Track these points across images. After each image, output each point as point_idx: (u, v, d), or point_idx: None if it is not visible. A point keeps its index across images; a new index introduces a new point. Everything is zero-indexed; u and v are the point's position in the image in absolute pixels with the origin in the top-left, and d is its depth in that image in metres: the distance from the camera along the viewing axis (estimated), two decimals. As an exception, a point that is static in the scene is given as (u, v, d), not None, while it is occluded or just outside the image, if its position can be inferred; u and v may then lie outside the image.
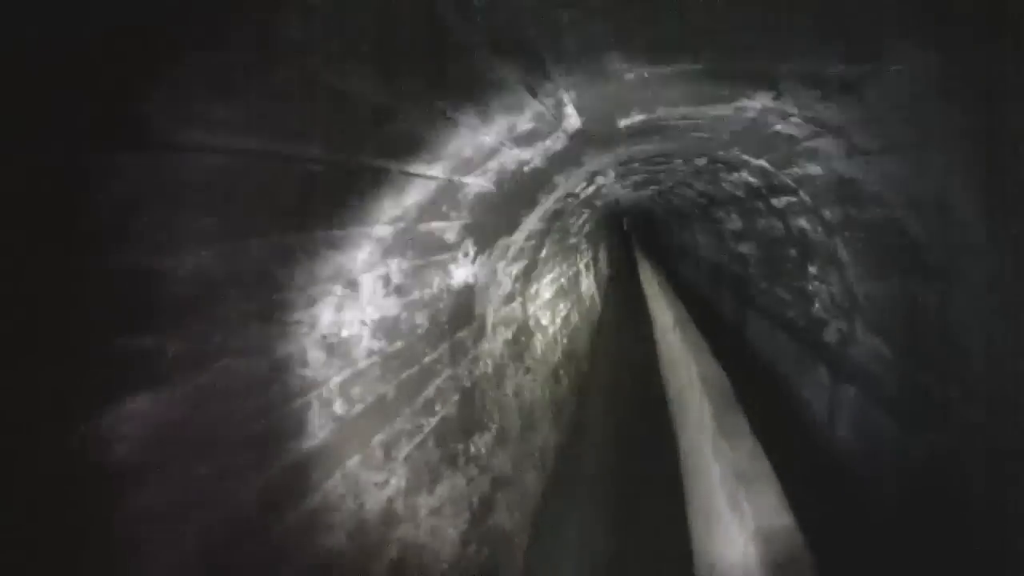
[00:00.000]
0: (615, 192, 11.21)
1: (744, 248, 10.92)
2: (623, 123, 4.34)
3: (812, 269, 6.92)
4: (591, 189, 8.36)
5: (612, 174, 7.97)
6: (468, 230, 4.28)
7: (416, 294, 3.85)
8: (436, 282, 4.10)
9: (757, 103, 3.73)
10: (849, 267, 5.74)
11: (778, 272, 8.75)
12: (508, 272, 6.29)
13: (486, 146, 3.46)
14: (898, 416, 5.02)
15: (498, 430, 6.35)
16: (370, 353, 3.36)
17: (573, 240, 12.33)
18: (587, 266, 16.28)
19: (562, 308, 10.96)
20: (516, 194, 4.84)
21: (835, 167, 4.53)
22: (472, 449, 5.40)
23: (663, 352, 11.27)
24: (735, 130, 4.75)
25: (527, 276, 7.39)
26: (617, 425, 9.62)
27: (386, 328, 3.54)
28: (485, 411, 5.83)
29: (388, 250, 3.31)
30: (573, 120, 3.90)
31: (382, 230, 3.09)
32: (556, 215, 7.56)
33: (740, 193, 8.44)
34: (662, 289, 13.82)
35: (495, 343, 6.14)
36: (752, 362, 9.98)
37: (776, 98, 3.56)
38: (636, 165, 7.68)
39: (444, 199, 3.60)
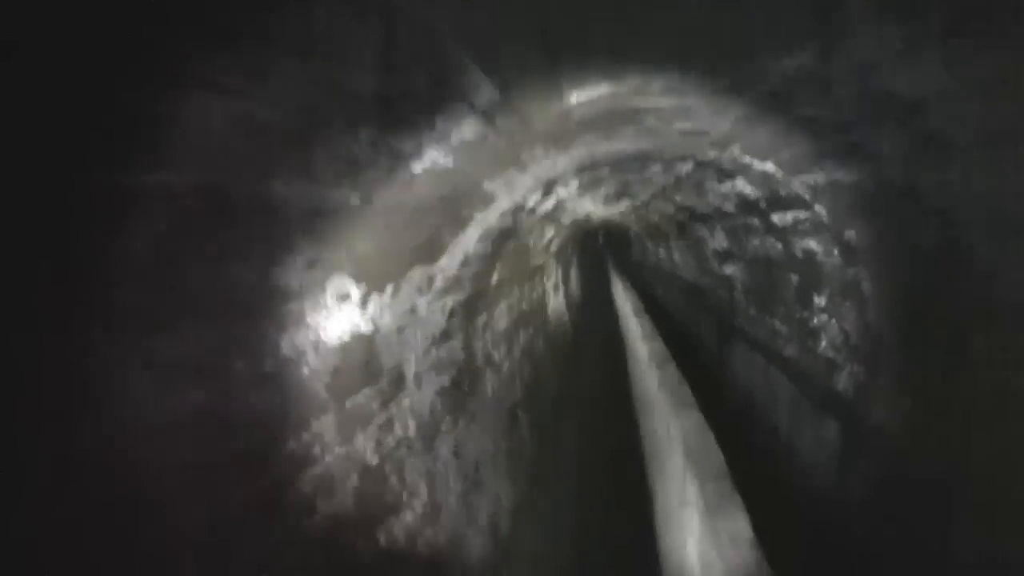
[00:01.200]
0: (583, 207, 9.90)
1: (730, 271, 9.65)
2: (574, 98, 2.98)
3: (819, 300, 5.64)
4: (550, 203, 7.04)
5: (575, 184, 6.67)
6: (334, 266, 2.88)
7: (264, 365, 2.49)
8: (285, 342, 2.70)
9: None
10: (872, 303, 4.47)
11: (772, 300, 7.51)
12: (438, 307, 4.95)
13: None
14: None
15: (426, 506, 5.03)
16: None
17: (538, 261, 10.98)
18: (555, 287, 14.93)
19: (522, 338, 9.61)
20: (422, 210, 3.48)
21: (887, 170, 3.16)
22: (382, 540, 4.10)
23: (639, 395, 9.92)
24: (740, 115, 3.40)
25: (470, 308, 6.05)
26: (584, 477, 8.34)
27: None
28: (405, 487, 4.50)
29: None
30: (485, 89, 2.56)
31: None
32: (506, 234, 6.20)
33: (730, 207, 7.17)
34: (637, 315, 12.53)
35: (420, 397, 4.79)
36: (738, 406, 8.69)
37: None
38: (603, 172, 6.39)
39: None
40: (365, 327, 3.44)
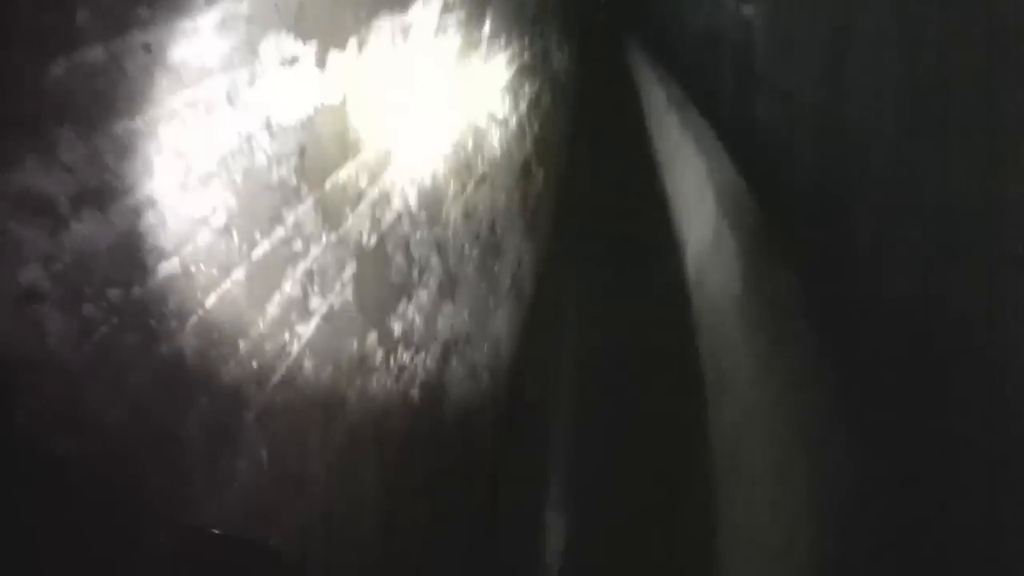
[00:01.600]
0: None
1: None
2: None
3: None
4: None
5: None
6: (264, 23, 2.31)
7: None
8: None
9: None
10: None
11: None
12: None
13: None
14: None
15: (440, 278, 4.80)
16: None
17: (534, 10, 10.19)
18: (559, 43, 14.06)
19: (527, 90, 9.04)
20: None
21: None
22: (398, 328, 3.89)
23: (659, 144, 9.41)
24: None
25: (461, 61, 5.52)
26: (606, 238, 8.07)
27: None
28: (413, 264, 4.23)
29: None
30: None
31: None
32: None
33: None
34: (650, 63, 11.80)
35: (417, 163, 4.42)
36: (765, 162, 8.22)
37: None
38: None
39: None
40: (329, 93, 3.00)
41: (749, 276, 4.70)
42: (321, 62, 2.84)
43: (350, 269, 3.26)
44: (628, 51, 17.92)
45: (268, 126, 2.42)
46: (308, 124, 2.80)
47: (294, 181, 2.70)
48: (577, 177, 10.03)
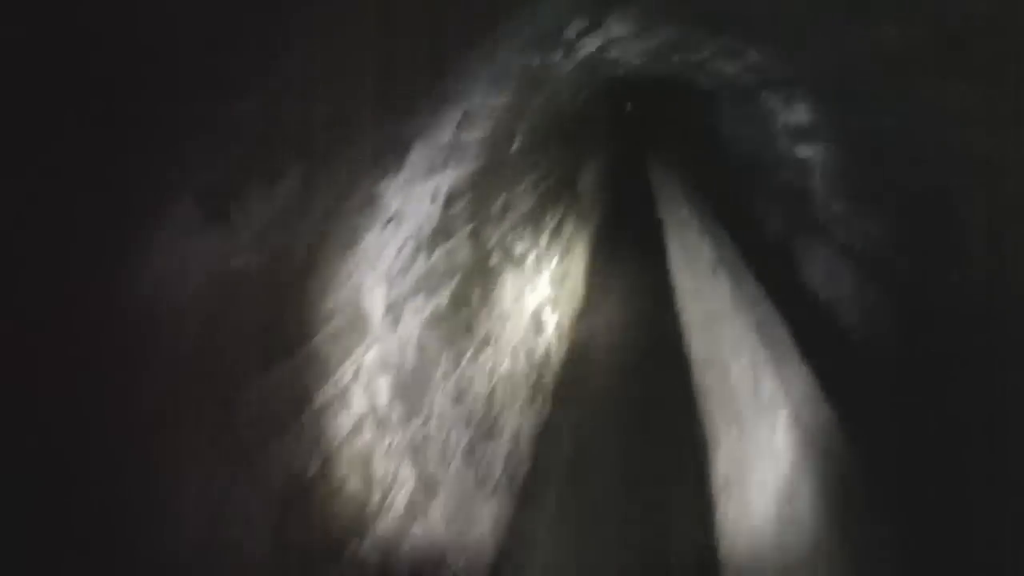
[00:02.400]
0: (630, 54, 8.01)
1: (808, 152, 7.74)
2: None
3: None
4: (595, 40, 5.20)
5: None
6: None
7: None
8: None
9: None
10: None
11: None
12: (423, 193, 3.23)
13: None
14: None
15: (411, 490, 3.43)
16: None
17: (570, 125, 9.10)
18: (590, 156, 13.01)
19: (549, 219, 7.85)
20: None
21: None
22: None
23: (692, 314, 8.09)
24: None
25: (479, 189, 4.30)
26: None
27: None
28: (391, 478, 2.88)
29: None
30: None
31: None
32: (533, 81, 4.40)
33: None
34: (688, 200, 10.66)
35: (401, 334, 3.12)
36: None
37: None
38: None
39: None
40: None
41: (834, 532, 3.50)
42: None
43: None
44: (657, 177, 16.79)
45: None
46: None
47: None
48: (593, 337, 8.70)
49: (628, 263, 12.03)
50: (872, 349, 5.56)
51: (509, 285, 5.44)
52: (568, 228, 9.29)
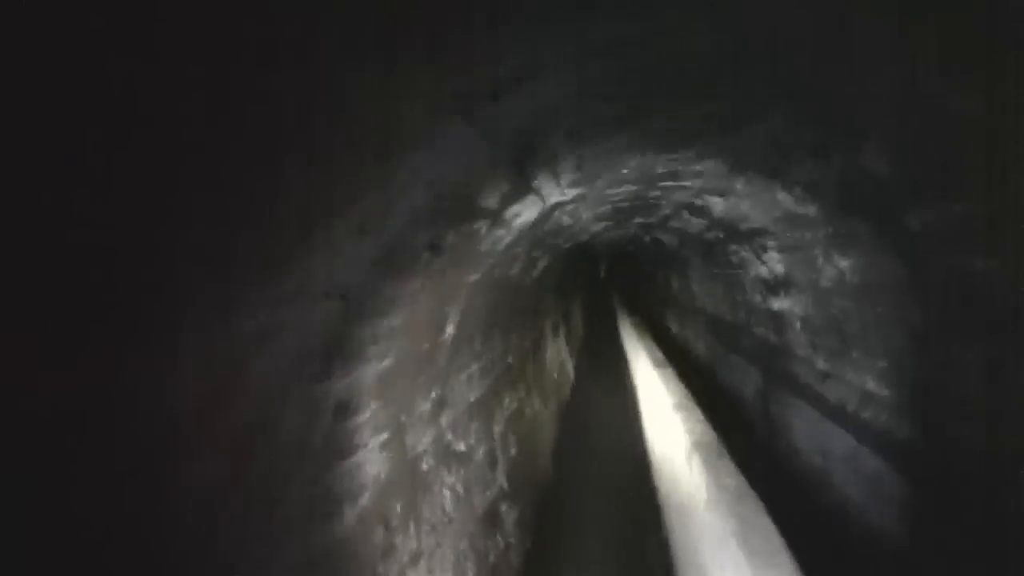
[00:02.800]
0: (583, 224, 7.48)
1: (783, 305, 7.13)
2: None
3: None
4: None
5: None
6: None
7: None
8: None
9: None
10: None
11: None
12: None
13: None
14: None
15: None
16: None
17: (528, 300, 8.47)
18: (554, 328, 12.37)
19: (506, 403, 7.08)
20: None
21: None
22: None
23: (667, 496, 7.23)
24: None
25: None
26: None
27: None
28: None
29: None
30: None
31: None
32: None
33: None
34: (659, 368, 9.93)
35: None
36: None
37: None
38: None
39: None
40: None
41: None
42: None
43: None
44: (631, 344, 16.17)
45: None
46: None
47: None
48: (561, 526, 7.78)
49: (603, 451, 11.11)
50: (873, 531, 4.83)
51: (448, 490, 4.64)
52: (531, 409, 8.52)
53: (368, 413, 3.20)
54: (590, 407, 13.06)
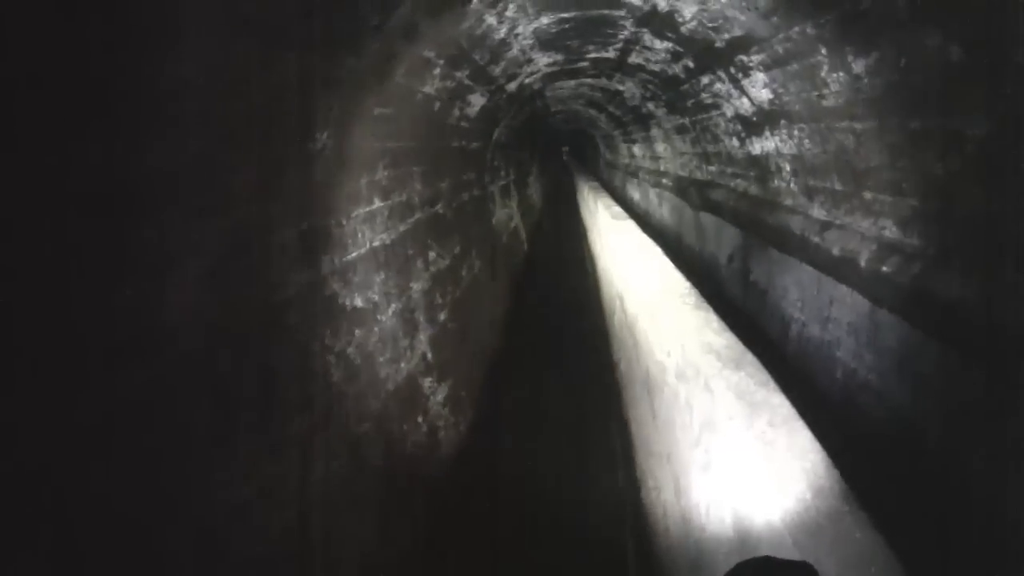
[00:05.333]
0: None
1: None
2: None
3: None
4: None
5: None
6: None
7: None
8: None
9: None
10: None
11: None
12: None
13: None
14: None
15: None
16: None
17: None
18: (504, 190, 11.20)
19: (432, 258, 5.97)
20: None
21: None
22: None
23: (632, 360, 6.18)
24: None
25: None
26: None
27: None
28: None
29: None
30: None
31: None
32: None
33: None
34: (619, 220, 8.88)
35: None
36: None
37: None
38: None
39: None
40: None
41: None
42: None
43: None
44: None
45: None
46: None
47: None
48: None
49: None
50: (899, 420, 3.71)
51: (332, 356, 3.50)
52: (470, 271, 7.42)
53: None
54: (545, 274, 12.15)
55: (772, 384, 3.19)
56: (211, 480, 2.34)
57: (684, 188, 10.26)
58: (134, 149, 1.97)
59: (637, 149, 14.59)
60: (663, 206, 11.98)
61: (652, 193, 13.23)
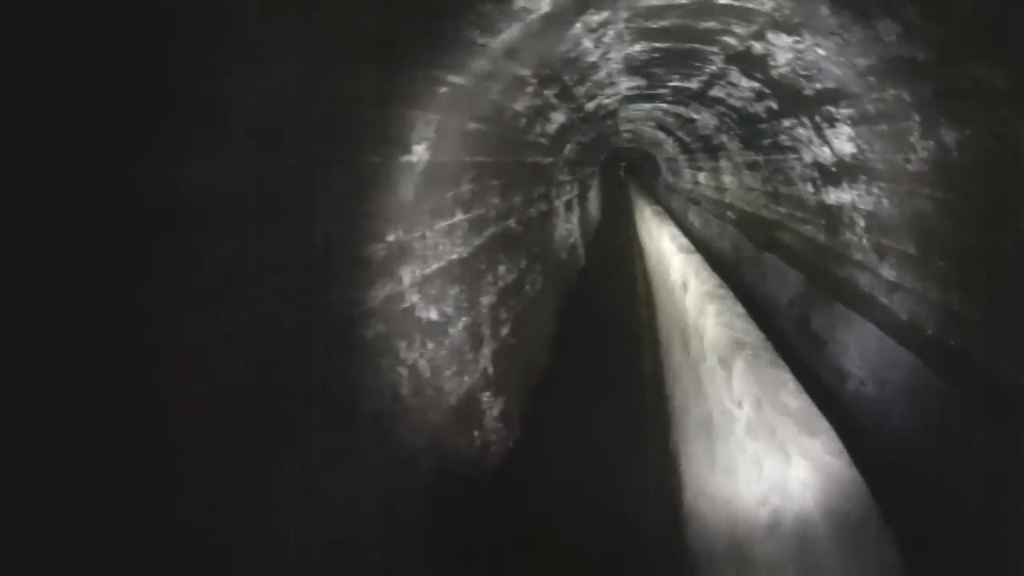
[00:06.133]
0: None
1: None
2: None
3: None
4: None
5: None
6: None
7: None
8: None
9: None
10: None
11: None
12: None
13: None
14: None
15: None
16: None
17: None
18: (568, 205, 11.18)
19: (502, 273, 5.97)
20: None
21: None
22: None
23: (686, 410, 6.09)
24: None
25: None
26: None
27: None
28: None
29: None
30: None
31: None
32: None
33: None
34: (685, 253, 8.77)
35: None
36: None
37: None
38: None
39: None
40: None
41: None
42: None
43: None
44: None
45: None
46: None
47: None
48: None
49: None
50: (946, 488, 3.63)
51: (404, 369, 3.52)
52: (532, 287, 7.40)
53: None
54: (600, 293, 12.07)
55: (847, 456, 3.14)
56: (269, 489, 2.35)
57: (748, 224, 10.17)
58: (214, 167, 1.99)
59: (702, 177, 14.47)
60: (724, 239, 11.88)
61: (714, 223, 13.12)
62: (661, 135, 15.23)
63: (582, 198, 14.81)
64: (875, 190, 4.97)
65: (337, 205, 2.75)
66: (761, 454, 3.56)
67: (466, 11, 3.07)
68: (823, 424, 3.41)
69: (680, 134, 13.07)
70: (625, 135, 16.69)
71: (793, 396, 3.73)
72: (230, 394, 2.13)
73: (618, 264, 15.44)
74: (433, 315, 4.01)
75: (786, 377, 4.01)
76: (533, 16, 3.51)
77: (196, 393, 1.99)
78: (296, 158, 2.41)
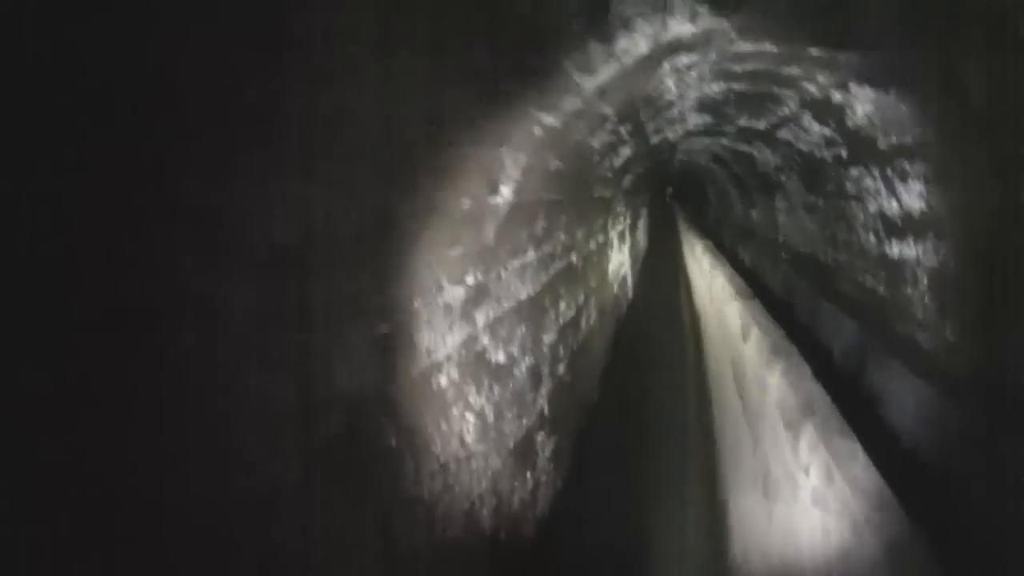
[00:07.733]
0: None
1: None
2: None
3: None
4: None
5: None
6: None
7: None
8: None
9: None
10: None
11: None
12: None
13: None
14: None
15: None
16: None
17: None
18: (621, 236, 11.07)
19: (563, 309, 5.86)
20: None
21: None
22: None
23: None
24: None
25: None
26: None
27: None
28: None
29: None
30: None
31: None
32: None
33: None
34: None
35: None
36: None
37: None
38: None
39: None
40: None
41: None
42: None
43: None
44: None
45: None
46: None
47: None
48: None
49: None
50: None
51: (473, 415, 3.41)
52: (587, 321, 7.29)
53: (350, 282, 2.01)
54: (647, 327, 11.93)
55: (923, 535, 2.99)
56: (332, 547, 2.25)
57: (803, 266, 9.96)
58: (308, 204, 1.90)
59: (755, 213, 14.28)
60: (777, 276, 11.67)
61: (767, 261, 12.90)
62: (715, 166, 15.08)
63: (633, 227, 14.69)
64: (943, 249, 4.79)
65: (427, 253, 2.65)
66: (830, 526, 3.42)
67: (573, 50, 2.97)
68: (893, 500, 3.25)
69: (735, 168, 12.89)
70: (678, 165, 16.60)
71: (863, 470, 3.56)
72: (324, 443, 2.05)
73: (663, 297, 15.29)
74: (501, 358, 3.90)
75: (856, 448, 3.83)
76: (630, 58, 3.41)
77: (292, 448, 1.90)
78: (400, 201, 2.32)
